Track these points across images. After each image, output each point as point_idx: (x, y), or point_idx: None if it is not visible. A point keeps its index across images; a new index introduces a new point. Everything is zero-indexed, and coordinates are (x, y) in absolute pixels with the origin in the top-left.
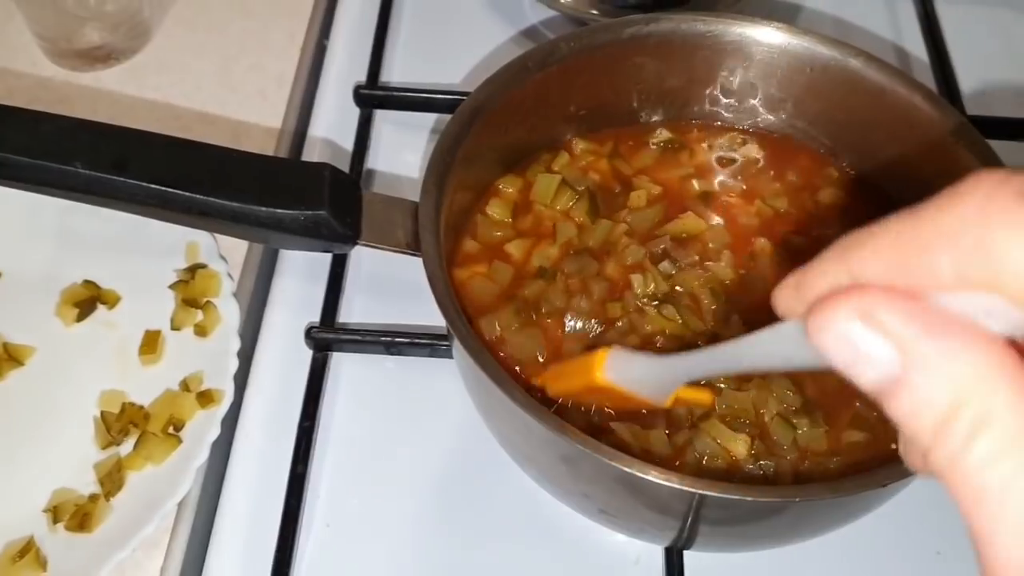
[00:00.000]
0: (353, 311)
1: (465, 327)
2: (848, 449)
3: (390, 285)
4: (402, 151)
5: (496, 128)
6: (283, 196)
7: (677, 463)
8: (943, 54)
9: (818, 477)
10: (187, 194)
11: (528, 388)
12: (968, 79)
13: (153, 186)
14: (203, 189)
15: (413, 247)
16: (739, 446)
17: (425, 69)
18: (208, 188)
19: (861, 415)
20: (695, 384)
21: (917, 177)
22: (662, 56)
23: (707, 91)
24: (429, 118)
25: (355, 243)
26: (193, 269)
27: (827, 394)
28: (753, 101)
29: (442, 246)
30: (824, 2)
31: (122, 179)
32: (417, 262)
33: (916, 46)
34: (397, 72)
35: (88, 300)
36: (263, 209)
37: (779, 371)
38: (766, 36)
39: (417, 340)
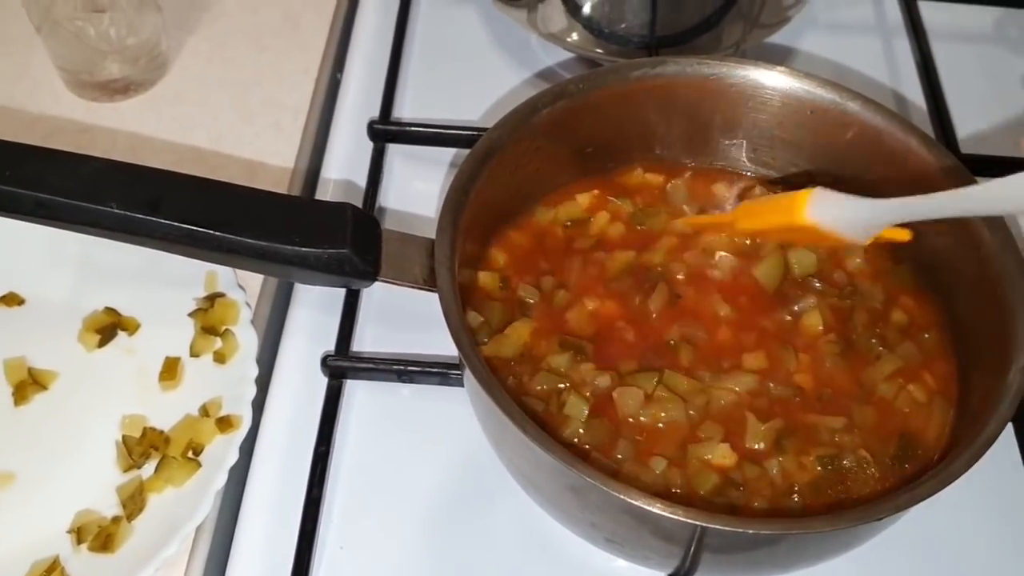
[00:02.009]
0: (365, 340)
1: (479, 360)
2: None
3: (402, 315)
4: (414, 183)
5: (508, 167)
6: (308, 235)
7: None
8: (938, 92)
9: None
10: (217, 233)
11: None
12: (962, 115)
13: (184, 226)
14: (232, 228)
15: (429, 283)
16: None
17: (435, 105)
18: (237, 227)
19: None
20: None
21: None
22: (668, 98)
23: (710, 131)
24: (438, 152)
25: (375, 279)
26: (212, 298)
27: None
28: (755, 141)
29: (456, 282)
30: (819, 42)
31: (155, 219)
32: (428, 295)
33: (911, 84)
34: (408, 107)
35: (109, 327)
36: (289, 248)
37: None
38: (769, 79)
39: (428, 369)
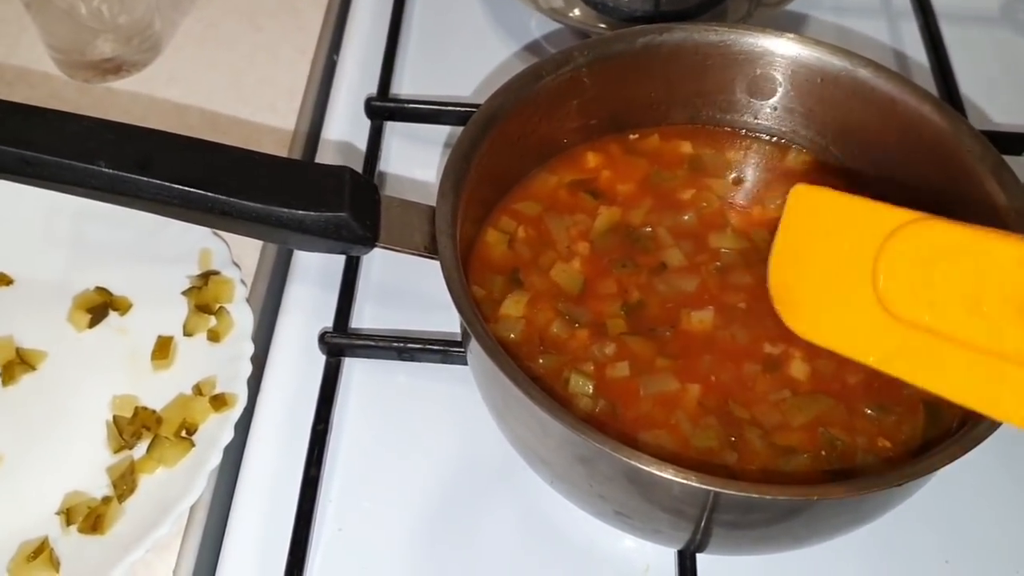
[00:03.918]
0: (364, 317)
1: (482, 327)
2: None
3: (401, 292)
4: (411, 163)
5: (510, 136)
6: (304, 198)
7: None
8: (948, 73)
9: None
10: (209, 194)
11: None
12: (972, 97)
13: (176, 186)
14: (225, 190)
15: (431, 250)
16: None
17: (433, 82)
18: (230, 189)
19: None
20: None
21: (927, 187)
22: (674, 65)
23: (717, 100)
24: (437, 131)
25: (374, 245)
26: (206, 276)
27: None
28: (765, 110)
29: (458, 249)
30: (823, 23)
31: (145, 179)
32: (428, 271)
33: (919, 66)
34: (406, 85)
35: (100, 306)
36: (284, 211)
37: None
38: (778, 47)
39: (429, 346)
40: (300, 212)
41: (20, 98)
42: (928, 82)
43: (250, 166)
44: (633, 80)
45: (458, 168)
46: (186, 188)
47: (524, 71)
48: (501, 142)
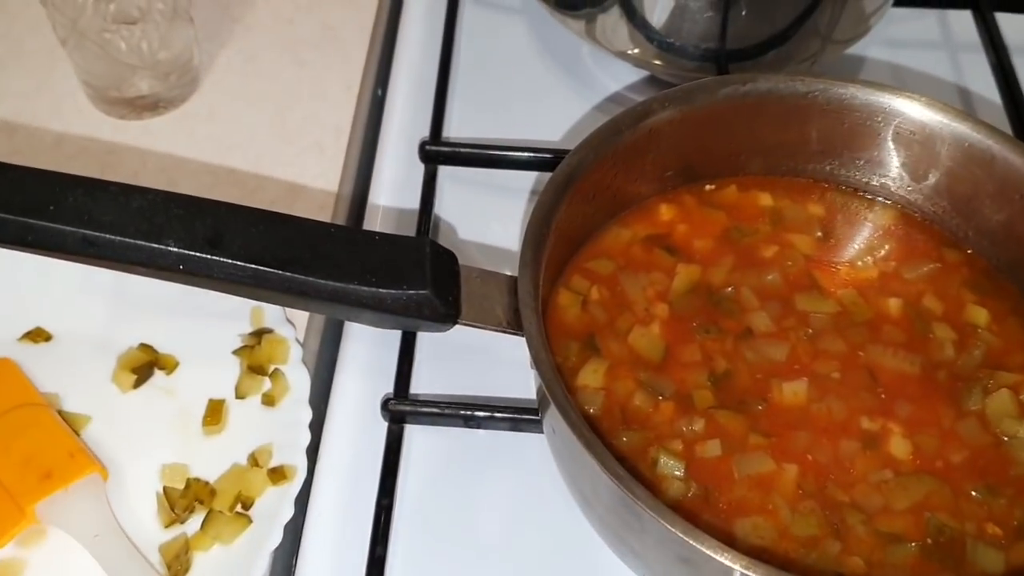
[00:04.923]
0: (422, 377)
1: (576, 416)
2: None
3: (462, 351)
4: (468, 207)
5: (585, 193)
6: (384, 274)
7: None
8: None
9: None
10: (286, 273)
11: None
12: None
13: (249, 265)
14: (301, 268)
15: (513, 325)
16: None
17: (484, 122)
18: (306, 266)
19: None
20: None
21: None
22: (756, 115)
23: (798, 150)
24: (490, 174)
25: (455, 323)
26: (259, 334)
27: None
28: (850, 161)
29: (543, 323)
30: (885, 60)
31: (217, 257)
32: None
33: (988, 102)
34: (456, 125)
35: (146, 365)
36: (365, 289)
37: None
38: (868, 98)
39: (497, 414)
40: (382, 290)
41: (53, 136)
42: (1000, 118)
43: (325, 239)
44: (711, 131)
45: (538, 234)
46: (260, 267)
47: (602, 127)
48: (577, 200)
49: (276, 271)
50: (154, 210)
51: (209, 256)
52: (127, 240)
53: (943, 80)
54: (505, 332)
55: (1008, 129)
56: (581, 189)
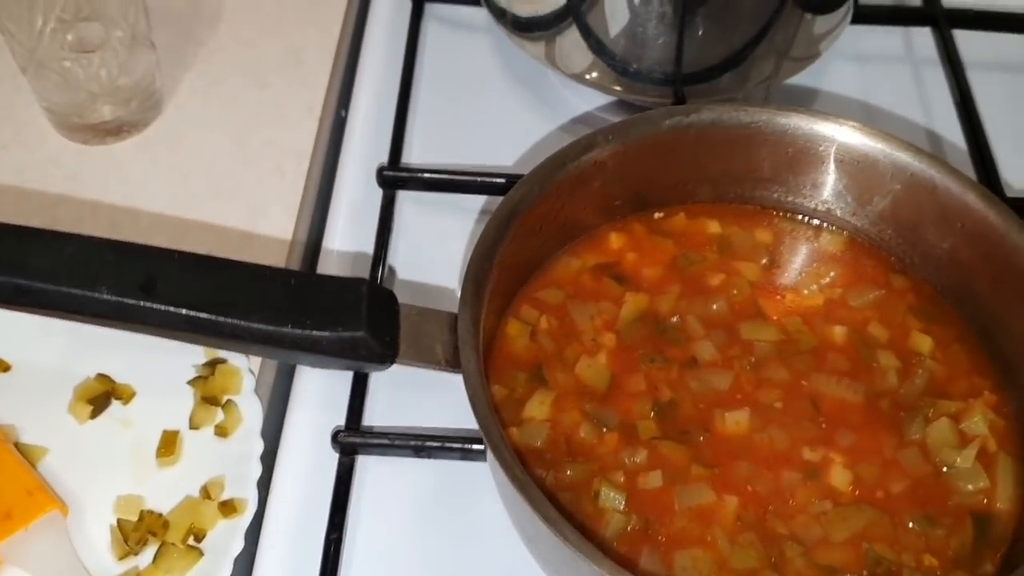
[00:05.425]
0: (377, 408)
1: (511, 458)
2: None
3: (415, 381)
4: (426, 230)
5: (531, 226)
6: (319, 316)
7: None
8: (978, 129)
9: None
10: (219, 318)
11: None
12: (1004, 152)
13: (182, 311)
14: (235, 312)
15: (452, 364)
16: None
17: (447, 145)
18: (240, 310)
19: None
20: None
21: (969, 270)
22: (702, 145)
23: (746, 178)
24: (452, 197)
25: (392, 362)
26: (212, 364)
27: None
28: (797, 188)
29: (482, 361)
30: (846, 76)
31: (149, 304)
32: None
33: (946, 119)
34: (418, 148)
35: (102, 395)
36: (298, 331)
37: None
38: (811, 127)
39: (448, 444)
40: (316, 332)
41: (15, 162)
42: (957, 142)
43: (261, 283)
44: (659, 160)
45: (480, 269)
46: (194, 312)
47: (546, 161)
48: (523, 233)
49: (210, 316)
50: (87, 257)
51: (142, 303)
52: (60, 288)
53: (905, 95)
54: (444, 370)
55: (963, 143)
56: (526, 222)
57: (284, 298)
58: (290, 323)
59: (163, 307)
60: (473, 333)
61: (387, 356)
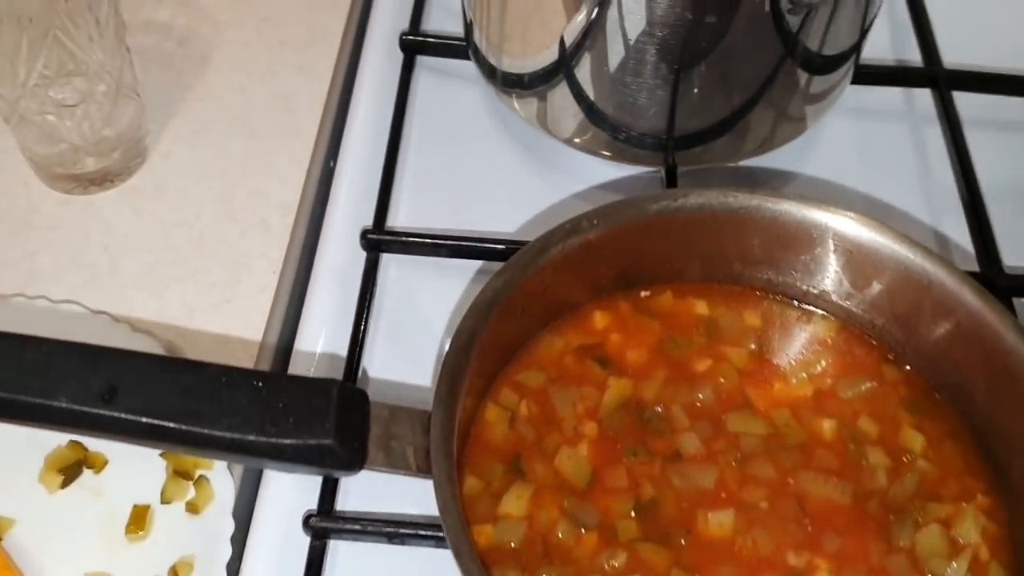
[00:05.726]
0: (352, 489)
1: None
2: None
3: None
4: (412, 291)
5: (512, 311)
6: (286, 424)
7: None
8: (981, 210)
9: None
10: (181, 427)
11: None
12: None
13: (144, 420)
14: (197, 420)
15: (423, 469)
16: None
17: (436, 206)
18: (203, 418)
19: None
20: None
21: (962, 366)
22: (690, 228)
23: (734, 260)
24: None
25: (361, 468)
26: None
27: None
28: (787, 271)
29: (455, 467)
30: (845, 139)
31: (109, 413)
32: None
33: (945, 180)
34: (405, 208)
35: (74, 464)
36: (263, 440)
37: None
38: (803, 214)
39: (422, 531)
40: (282, 441)
41: None
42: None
43: (228, 388)
44: (645, 240)
45: (455, 366)
46: (156, 421)
47: (528, 246)
48: (504, 317)
49: (172, 424)
50: (48, 364)
51: (103, 412)
52: (18, 397)
53: (902, 152)
54: (415, 476)
55: (959, 204)
56: (508, 306)
57: (251, 404)
58: (255, 431)
59: (125, 416)
60: (446, 436)
61: (355, 463)
